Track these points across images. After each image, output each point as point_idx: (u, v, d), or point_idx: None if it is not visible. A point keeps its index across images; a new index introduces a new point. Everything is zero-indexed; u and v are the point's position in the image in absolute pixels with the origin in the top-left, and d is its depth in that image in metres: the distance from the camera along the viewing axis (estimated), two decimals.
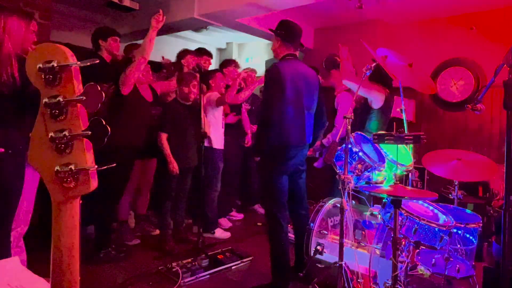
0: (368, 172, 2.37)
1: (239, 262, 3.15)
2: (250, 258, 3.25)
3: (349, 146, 2.22)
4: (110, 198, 3.12)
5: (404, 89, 2.64)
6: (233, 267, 3.09)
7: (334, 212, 2.77)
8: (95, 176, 0.72)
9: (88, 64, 0.69)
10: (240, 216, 4.62)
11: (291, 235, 2.94)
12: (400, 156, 2.46)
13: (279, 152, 2.63)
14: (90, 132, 0.69)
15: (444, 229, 2.09)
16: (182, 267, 2.89)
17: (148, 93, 3.34)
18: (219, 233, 3.85)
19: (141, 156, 3.44)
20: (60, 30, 4.87)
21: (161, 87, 3.67)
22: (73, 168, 0.69)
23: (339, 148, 2.36)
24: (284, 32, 2.69)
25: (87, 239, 3.25)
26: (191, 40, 6.10)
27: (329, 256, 2.51)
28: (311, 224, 2.68)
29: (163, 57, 4.19)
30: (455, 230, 2.33)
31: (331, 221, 2.75)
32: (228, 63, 4.37)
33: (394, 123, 2.35)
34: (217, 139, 3.80)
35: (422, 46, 4.67)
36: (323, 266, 2.53)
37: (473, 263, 2.36)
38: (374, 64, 2.45)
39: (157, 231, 3.77)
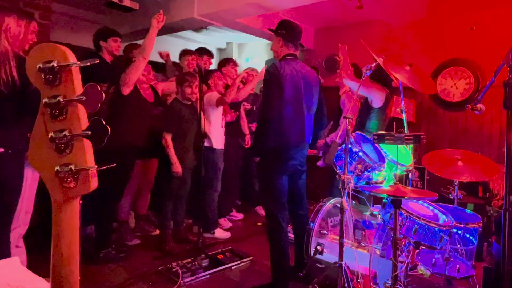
0: (368, 172, 2.37)
1: (239, 262, 3.15)
2: (250, 258, 3.25)
3: (349, 146, 2.22)
4: (110, 198, 3.11)
5: (404, 89, 2.64)
6: (233, 267, 3.09)
7: (334, 212, 2.77)
8: (95, 176, 0.72)
9: (88, 64, 0.69)
10: (240, 216, 4.61)
11: (291, 235, 2.94)
12: (400, 156, 2.46)
13: (278, 152, 2.63)
14: (90, 132, 0.69)
15: (444, 229, 2.09)
16: (182, 267, 2.89)
17: (149, 93, 3.34)
18: (219, 233, 3.85)
19: (142, 156, 3.44)
20: (60, 30, 4.87)
21: (162, 88, 3.67)
22: (73, 168, 0.69)
23: (339, 148, 2.36)
24: (285, 32, 2.69)
25: (87, 239, 3.25)
26: (191, 40, 6.10)
27: (329, 256, 2.51)
28: (311, 224, 2.68)
29: (159, 53, 4.20)
30: (455, 230, 2.33)
31: (331, 221, 2.75)
32: (226, 62, 4.35)
33: (394, 123, 2.34)
34: (217, 139, 3.80)
35: (422, 46, 4.67)
36: (323, 266, 2.53)
37: (473, 263, 2.36)
38: (374, 64, 2.45)
39: (157, 231, 3.77)
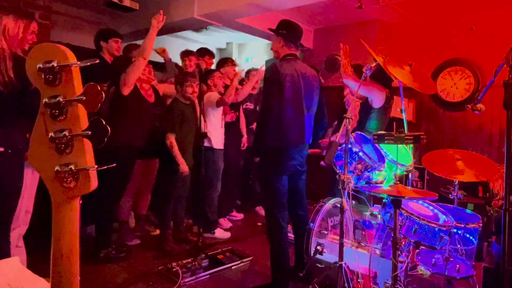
0: (368, 172, 2.37)
1: (239, 262, 3.15)
2: (250, 258, 3.25)
3: (349, 146, 2.22)
4: (110, 198, 3.11)
5: (404, 89, 2.63)
6: (233, 267, 3.09)
7: (334, 212, 2.77)
8: (95, 176, 0.72)
9: (88, 64, 0.69)
10: (240, 216, 4.61)
11: (291, 235, 2.94)
12: (400, 156, 2.46)
13: (278, 152, 2.63)
14: (90, 132, 0.69)
15: (444, 229, 2.09)
16: (182, 267, 2.89)
17: (150, 93, 3.34)
18: (219, 233, 3.85)
19: (142, 156, 3.43)
20: (60, 30, 4.87)
21: (163, 90, 3.67)
22: (73, 168, 0.69)
23: (339, 148, 2.36)
24: (286, 32, 2.68)
25: (87, 239, 3.25)
26: (191, 40, 6.09)
27: (329, 256, 2.51)
28: (311, 224, 2.68)
29: (155, 50, 4.18)
30: (455, 230, 2.33)
31: (331, 221, 2.75)
32: (224, 62, 4.34)
33: (394, 123, 2.34)
34: (217, 139, 3.79)
35: (422, 46, 4.67)
36: (323, 266, 2.53)
37: (473, 263, 2.36)
38: (374, 64, 2.45)
39: (157, 231, 3.77)
